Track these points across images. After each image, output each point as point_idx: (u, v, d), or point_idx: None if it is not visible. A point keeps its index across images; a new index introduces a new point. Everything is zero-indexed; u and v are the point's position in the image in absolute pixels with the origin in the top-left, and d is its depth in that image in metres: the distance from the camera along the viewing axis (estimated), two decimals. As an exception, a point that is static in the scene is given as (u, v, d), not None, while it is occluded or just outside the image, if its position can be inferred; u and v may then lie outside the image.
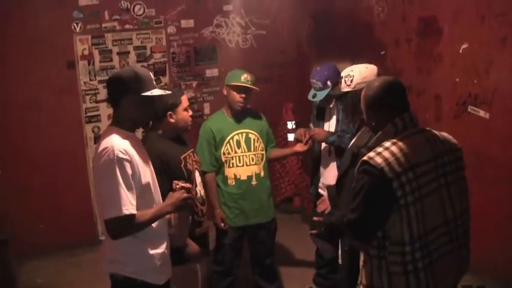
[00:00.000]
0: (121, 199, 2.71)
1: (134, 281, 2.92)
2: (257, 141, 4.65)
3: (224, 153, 4.56)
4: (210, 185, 4.58)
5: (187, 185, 3.13)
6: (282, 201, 7.30)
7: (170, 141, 3.74)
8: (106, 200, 2.76)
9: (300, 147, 4.61)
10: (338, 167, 4.26)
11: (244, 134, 4.60)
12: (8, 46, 6.25)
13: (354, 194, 2.59)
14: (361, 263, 2.85)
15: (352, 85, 3.42)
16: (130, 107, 2.88)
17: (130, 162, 2.80)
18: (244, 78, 4.45)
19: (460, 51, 4.69)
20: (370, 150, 2.61)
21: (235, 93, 4.46)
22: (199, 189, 3.90)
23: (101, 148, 2.80)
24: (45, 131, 6.46)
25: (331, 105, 4.51)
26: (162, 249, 3.02)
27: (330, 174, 4.45)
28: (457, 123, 4.76)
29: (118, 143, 2.79)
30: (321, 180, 4.63)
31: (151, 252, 2.95)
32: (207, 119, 4.73)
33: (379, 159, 2.50)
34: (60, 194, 6.50)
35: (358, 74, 3.44)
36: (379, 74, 3.47)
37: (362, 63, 3.62)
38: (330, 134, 4.39)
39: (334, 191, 3.44)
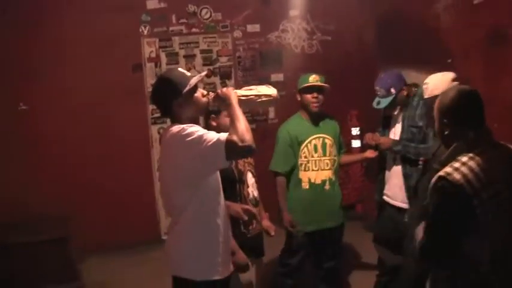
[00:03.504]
0: (214, 134, 2.70)
1: (197, 282, 2.91)
2: (332, 147, 4.62)
3: (301, 157, 4.55)
4: (281, 188, 4.57)
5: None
6: (345, 207, 7.22)
7: None
8: (210, 150, 2.66)
9: (370, 154, 4.57)
10: (404, 175, 4.23)
11: (321, 139, 4.58)
12: (77, 47, 6.45)
13: (430, 213, 2.44)
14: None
15: (427, 92, 3.41)
16: (182, 109, 2.91)
17: None
18: (313, 79, 4.47)
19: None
20: (442, 165, 2.46)
21: (307, 95, 4.49)
22: (252, 190, 3.91)
23: (169, 135, 2.82)
24: (111, 132, 6.63)
25: (395, 113, 4.45)
26: (222, 244, 2.98)
27: (394, 182, 4.38)
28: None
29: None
30: (386, 187, 4.56)
31: (213, 250, 2.94)
32: (285, 122, 4.71)
33: (457, 175, 2.34)
34: (125, 193, 6.63)
35: (432, 82, 3.42)
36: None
37: (427, 70, 3.58)
38: (395, 142, 4.31)
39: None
